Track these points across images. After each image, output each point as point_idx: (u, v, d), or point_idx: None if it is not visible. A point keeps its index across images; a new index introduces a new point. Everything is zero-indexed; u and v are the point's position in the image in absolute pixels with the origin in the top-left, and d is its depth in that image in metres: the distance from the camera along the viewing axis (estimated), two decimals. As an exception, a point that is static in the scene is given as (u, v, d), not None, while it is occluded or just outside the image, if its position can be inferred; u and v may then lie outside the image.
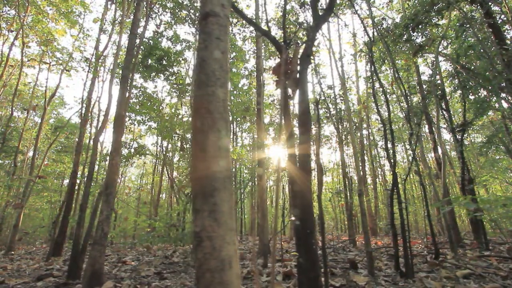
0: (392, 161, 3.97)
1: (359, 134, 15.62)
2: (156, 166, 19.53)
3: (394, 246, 3.85)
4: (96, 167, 24.01)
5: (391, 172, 3.95)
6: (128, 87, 4.65)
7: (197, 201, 0.71)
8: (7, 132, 11.84)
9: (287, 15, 11.87)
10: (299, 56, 1.68)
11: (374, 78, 5.93)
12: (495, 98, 8.84)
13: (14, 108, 19.46)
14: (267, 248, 6.12)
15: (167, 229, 6.33)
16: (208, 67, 0.80)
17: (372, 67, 4.06)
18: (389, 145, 4.40)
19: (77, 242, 4.55)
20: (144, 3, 5.98)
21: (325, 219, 19.14)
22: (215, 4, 0.86)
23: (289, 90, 1.69)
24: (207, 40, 0.83)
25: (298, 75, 1.68)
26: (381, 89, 8.10)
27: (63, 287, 3.82)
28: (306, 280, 1.34)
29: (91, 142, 16.75)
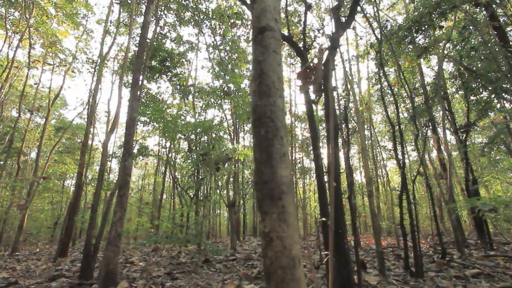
0: (401, 162, 4.03)
1: (359, 134, 15.67)
2: (159, 167, 19.57)
3: (404, 246, 3.92)
4: (97, 167, 24.00)
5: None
6: (138, 90, 4.71)
7: (265, 204, 0.77)
8: (12, 133, 11.86)
9: (290, 16, 11.95)
10: (323, 62, 1.74)
11: (382, 81, 6.00)
12: (496, 99, 8.94)
13: (17, 110, 19.50)
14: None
15: (175, 230, 6.37)
16: (268, 79, 0.86)
17: (381, 69, 4.12)
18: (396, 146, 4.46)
19: (89, 243, 4.59)
20: (154, 5, 6.04)
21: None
22: (269, 19, 0.92)
23: (313, 95, 1.75)
24: (265, 53, 0.89)
25: (322, 81, 1.75)
26: (389, 90, 8.16)
27: (77, 287, 3.86)
28: (339, 278, 1.40)
29: (93, 143, 16.78)
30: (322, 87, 1.74)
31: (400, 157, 4.01)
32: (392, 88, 4.65)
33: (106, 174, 21.46)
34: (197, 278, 4.37)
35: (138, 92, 4.75)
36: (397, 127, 4.07)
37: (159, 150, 18.10)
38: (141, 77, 5.03)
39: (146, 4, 5.27)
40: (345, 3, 8.38)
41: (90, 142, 14.81)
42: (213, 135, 8.65)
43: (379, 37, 4.45)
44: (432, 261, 4.92)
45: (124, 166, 4.19)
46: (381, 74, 4.76)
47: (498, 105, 9.14)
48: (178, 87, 12.90)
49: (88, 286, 3.91)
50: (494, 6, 5.73)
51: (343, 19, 2.56)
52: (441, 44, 6.95)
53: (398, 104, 13.74)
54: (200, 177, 10.86)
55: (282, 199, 0.76)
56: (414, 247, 3.74)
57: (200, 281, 4.10)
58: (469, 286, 3.13)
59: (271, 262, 0.72)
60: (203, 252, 6.58)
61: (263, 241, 0.76)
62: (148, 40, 5.50)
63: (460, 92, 10.18)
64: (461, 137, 7.68)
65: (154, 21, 8.41)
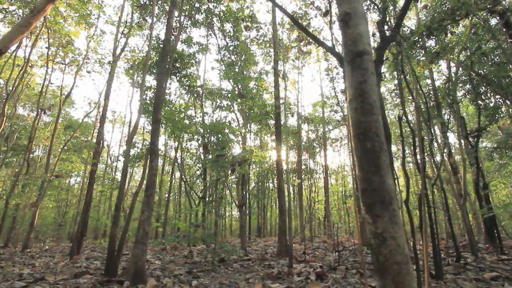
0: (421, 167, 4.14)
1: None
2: (164, 167, 19.70)
3: (423, 248, 4.01)
4: (103, 166, 24.11)
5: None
6: (163, 92, 4.83)
7: (376, 208, 0.88)
8: (31, 131, 12.01)
9: (298, 20, 12.06)
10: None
11: (402, 85, 6.11)
12: (505, 104, 9.06)
13: (23, 108, 19.66)
14: (289, 249, 6.26)
15: (190, 229, 6.49)
16: (370, 98, 0.97)
17: (401, 73, 4.23)
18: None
19: (113, 241, 4.71)
20: (176, 11, 6.17)
21: (333, 221, 19.20)
22: (365, 43, 1.04)
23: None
24: (365, 75, 1.00)
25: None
26: (408, 94, 8.26)
27: (106, 283, 3.97)
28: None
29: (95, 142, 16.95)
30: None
31: (420, 162, 4.11)
32: (413, 92, 4.75)
33: (113, 173, 21.62)
34: (219, 277, 4.48)
35: (163, 94, 4.86)
36: (418, 132, 4.17)
37: (165, 150, 18.26)
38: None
39: (169, 8, 5.39)
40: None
41: (93, 140, 14.95)
42: (225, 137, 8.78)
43: (399, 40, 4.55)
44: (447, 264, 5.02)
45: (151, 167, 4.31)
46: (401, 78, 4.87)
47: (506, 111, 9.26)
48: (187, 88, 13.03)
49: (116, 283, 4.02)
50: (509, 14, 5.84)
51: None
52: (456, 50, 7.06)
53: (406, 108, 13.74)
54: (208, 178, 10.96)
55: (392, 204, 0.87)
56: (434, 249, 3.84)
57: (224, 280, 4.20)
58: (491, 288, 3.23)
59: (386, 259, 0.84)
60: (217, 252, 6.69)
61: (375, 240, 0.87)
62: (172, 43, 5.62)
63: (468, 97, 10.30)
64: (471, 141, 7.77)
65: (178, 25, 8.58)
